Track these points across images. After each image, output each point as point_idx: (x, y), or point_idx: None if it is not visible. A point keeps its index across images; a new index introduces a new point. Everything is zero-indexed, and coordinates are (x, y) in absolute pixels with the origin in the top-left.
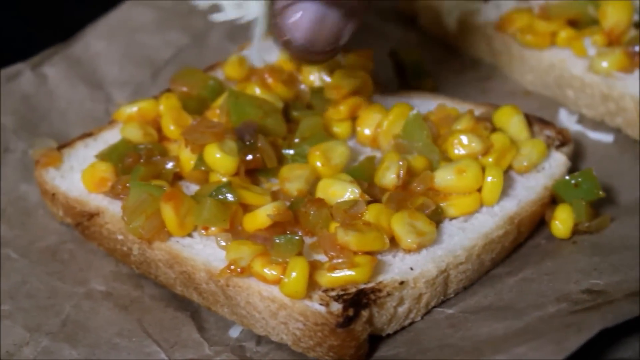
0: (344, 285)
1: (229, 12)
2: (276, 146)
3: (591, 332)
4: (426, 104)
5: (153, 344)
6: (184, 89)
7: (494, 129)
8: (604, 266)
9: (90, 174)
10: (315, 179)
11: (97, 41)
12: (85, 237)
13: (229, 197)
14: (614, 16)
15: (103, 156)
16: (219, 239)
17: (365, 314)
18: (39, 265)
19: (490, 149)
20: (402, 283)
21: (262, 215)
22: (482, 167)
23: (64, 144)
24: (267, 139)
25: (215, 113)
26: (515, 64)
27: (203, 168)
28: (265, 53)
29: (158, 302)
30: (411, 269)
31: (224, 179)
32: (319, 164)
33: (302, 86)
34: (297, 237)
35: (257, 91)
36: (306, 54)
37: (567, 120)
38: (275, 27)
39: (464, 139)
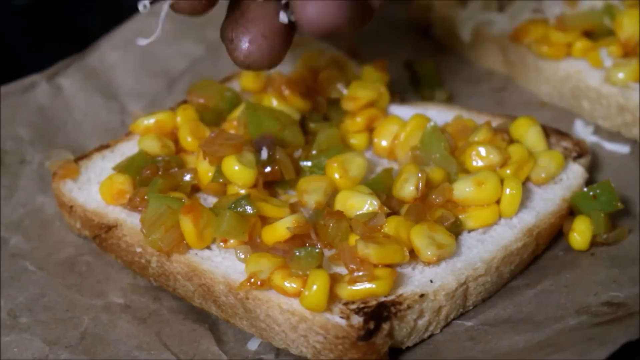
0: (365, 298)
1: None
2: (294, 158)
3: (614, 345)
4: (442, 115)
5: (172, 356)
6: (201, 100)
7: (512, 141)
8: (623, 278)
9: (108, 186)
10: (333, 191)
11: (113, 52)
12: (103, 249)
13: (248, 209)
14: (630, 27)
15: (121, 168)
16: (238, 251)
17: (386, 327)
18: (57, 277)
19: (508, 160)
20: (422, 296)
21: (281, 228)
22: (501, 179)
23: (81, 156)
24: (285, 150)
25: (233, 125)
26: (531, 74)
27: (221, 180)
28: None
29: (176, 315)
30: (431, 281)
31: (242, 191)
32: (336, 175)
33: (319, 98)
34: (317, 250)
35: (274, 103)
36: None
37: (583, 132)
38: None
39: (482, 150)
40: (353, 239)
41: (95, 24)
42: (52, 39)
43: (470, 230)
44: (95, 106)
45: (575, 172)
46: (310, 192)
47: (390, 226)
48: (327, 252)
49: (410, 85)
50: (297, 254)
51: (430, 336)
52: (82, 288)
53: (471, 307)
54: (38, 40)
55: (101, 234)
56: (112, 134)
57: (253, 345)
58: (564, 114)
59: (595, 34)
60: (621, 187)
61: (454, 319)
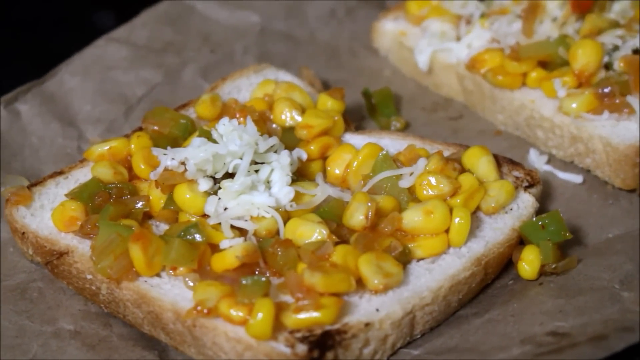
0: (310, 326)
1: None
2: None
3: None
4: (396, 144)
5: None
6: (156, 127)
7: (463, 170)
8: (569, 308)
9: (60, 213)
10: (284, 219)
11: (71, 78)
12: (55, 275)
13: (197, 237)
14: (583, 58)
15: (73, 195)
16: (186, 279)
17: (330, 355)
18: (8, 303)
19: (459, 190)
20: (367, 325)
21: (230, 256)
22: (450, 208)
23: (35, 182)
24: None
25: None
26: (487, 103)
27: (173, 208)
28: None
29: (126, 342)
30: (377, 310)
31: (194, 219)
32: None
33: (274, 125)
34: (263, 279)
35: None
36: None
37: (537, 161)
38: None
39: (432, 180)
40: (301, 267)
41: (55, 49)
42: (11, 64)
43: (419, 260)
44: (53, 132)
45: (526, 202)
46: (262, 219)
47: (339, 255)
48: (276, 281)
49: (367, 114)
50: (244, 282)
51: None
52: (32, 314)
53: (419, 336)
54: None
55: (53, 260)
56: (68, 160)
57: None
58: (519, 143)
59: (550, 64)
60: (573, 217)
61: (400, 348)
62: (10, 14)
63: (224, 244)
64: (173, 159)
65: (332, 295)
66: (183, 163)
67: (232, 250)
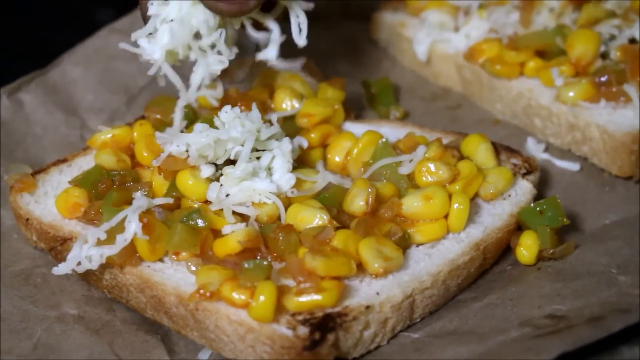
0: (311, 309)
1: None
2: None
3: (550, 355)
4: (396, 132)
5: None
6: (158, 116)
7: (462, 157)
8: (567, 292)
9: (63, 200)
10: (285, 206)
11: (74, 68)
12: (58, 261)
13: (200, 222)
14: (580, 47)
15: (76, 182)
16: (189, 264)
17: (331, 337)
18: (12, 289)
19: (457, 176)
20: (368, 307)
21: (232, 241)
22: (449, 195)
23: (39, 170)
24: None
25: None
26: (485, 93)
27: (175, 194)
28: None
29: (129, 326)
30: (377, 293)
31: (196, 205)
32: None
33: (274, 114)
34: (265, 262)
35: None
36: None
37: (534, 149)
38: None
39: (432, 166)
40: (302, 252)
41: (58, 39)
42: (14, 54)
43: (418, 244)
44: (56, 121)
45: (524, 189)
46: (263, 205)
47: (339, 240)
48: (277, 265)
49: (367, 103)
50: (246, 266)
51: (376, 347)
52: (36, 299)
53: (418, 319)
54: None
55: (57, 246)
56: (71, 149)
57: (204, 356)
58: (517, 131)
59: (548, 53)
60: (570, 204)
61: (400, 331)
62: (14, 11)
63: (226, 229)
64: (177, 145)
65: (333, 279)
66: (186, 151)
67: (234, 235)
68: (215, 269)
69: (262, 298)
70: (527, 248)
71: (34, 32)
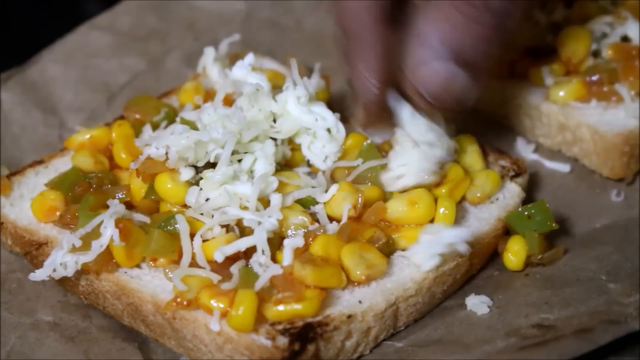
0: (291, 319)
1: None
2: None
3: None
4: (381, 134)
5: None
6: (137, 116)
7: None
8: (555, 300)
9: (39, 203)
10: None
11: (53, 65)
12: (34, 266)
13: (178, 228)
14: (571, 45)
15: (53, 185)
16: (167, 270)
17: (311, 348)
18: None
19: (444, 179)
20: (349, 317)
21: (213, 248)
22: (435, 198)
23: (15, 172)
24: None
25: None
26: None
27: (153, 197)
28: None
29: (106, 333)
30: (360, 302)
31: (175, 209)
32: None
33: None
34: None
35: None
36: (430, 108)
37: (524, 149)
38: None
39: None
40: (281, 257)
41: (37, 36)
42: None
43: (403, 250)
44: (34, 120)
45: (512, 192)
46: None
47: (320, 245)
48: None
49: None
50: (235, 272)
51: (359, 357)
52: (11, 306)
53: (402, 328)
54: None
55: (32, 250)
56: (50, 149)
57: None
58: (507, 131)
59: (538, 51)
60: (560, 206)
61: (384, 340)
62: None
63: (206, 234)
64: (156, 147)
65: (318, 289)
66: (166, 153)
67: (214, 241)
68: (193, 275)
69: (242, 308)
70: (514, 254)
71: (18, 24)
